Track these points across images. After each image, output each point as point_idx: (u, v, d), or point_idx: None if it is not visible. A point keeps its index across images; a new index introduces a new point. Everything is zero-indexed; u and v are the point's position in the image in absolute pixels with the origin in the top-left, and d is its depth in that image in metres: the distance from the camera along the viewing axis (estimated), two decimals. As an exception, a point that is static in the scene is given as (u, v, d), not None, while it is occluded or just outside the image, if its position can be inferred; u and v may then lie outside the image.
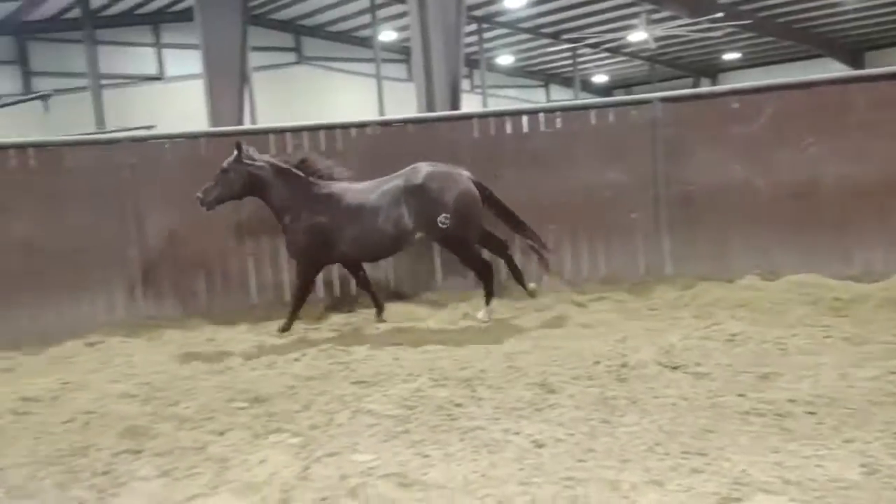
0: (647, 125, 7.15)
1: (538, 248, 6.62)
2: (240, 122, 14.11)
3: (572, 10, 25.20)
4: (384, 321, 6.57)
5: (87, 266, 6.76)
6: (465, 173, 6.44)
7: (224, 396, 4.42)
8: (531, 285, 6.75)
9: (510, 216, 6.60)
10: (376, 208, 6.31)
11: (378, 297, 6.77)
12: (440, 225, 6.20)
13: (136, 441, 3.71)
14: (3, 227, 6.59)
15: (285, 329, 6.38)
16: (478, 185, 6.43)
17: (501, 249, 6.75)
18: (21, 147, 6.86)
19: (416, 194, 6.23)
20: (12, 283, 6.54)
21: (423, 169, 6.33)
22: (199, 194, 6.29)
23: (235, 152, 6.35)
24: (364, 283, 6.85)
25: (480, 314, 6.38)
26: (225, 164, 6.36)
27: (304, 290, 6.56)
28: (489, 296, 6.40)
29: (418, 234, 6.39)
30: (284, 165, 6.49)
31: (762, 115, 6.87)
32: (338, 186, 6.52)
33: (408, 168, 6.42)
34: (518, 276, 6.73)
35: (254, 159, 6.40)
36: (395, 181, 6.37)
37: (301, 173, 6.47)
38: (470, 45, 24.27)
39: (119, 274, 6.94)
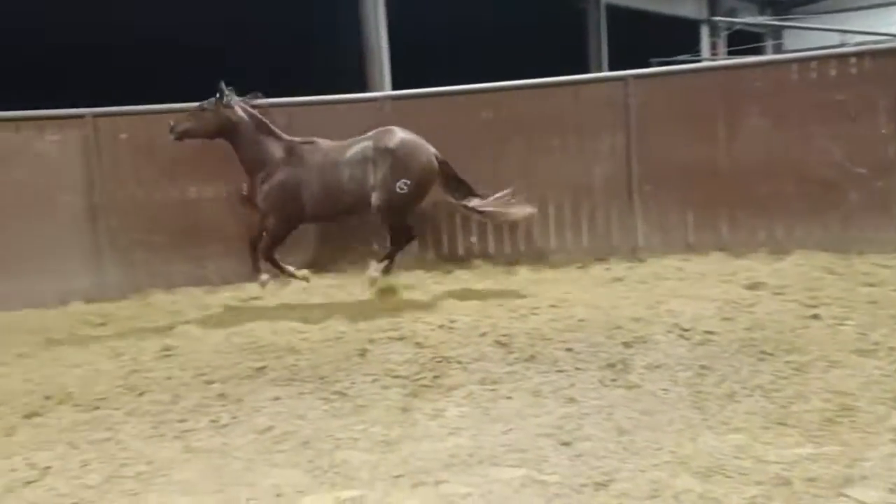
0: None
1: (516, 214, 6.70)
2: None
3: None
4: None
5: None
6: (431, 147, 6.59)
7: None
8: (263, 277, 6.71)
9: (469, 192, 6.69)
10: (345, 168, 6.44)
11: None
12: (398, 190, 6.36)
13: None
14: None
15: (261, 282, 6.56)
16: (439, 160, 6.61)
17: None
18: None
19: (385, 156, 6.39)
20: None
21: (396, 133, 6.52)
22: (171, 121, 6.39)
23: (217, 95, 6.39)
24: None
25: (373, 272, 6.55)
26: (203, 103, 6.45)
27: (274, 244, 6.53)
28: (392, 258, 6.68)
29: (374, 196, 6.45)
30: (263, 119, 6.58)
31: None
32: (310, 143, 6.63)
33: (380, 130, 6.60)
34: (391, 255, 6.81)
35: (230, 105, 6.40)
36: (365, 141, 6.52)
37: (278, 131, 6.59)
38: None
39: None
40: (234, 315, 6.27)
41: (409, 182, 6.36)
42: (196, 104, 6.48)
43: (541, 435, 3.52)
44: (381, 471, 3.21)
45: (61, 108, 7.26)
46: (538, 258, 7.62)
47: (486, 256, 7.71)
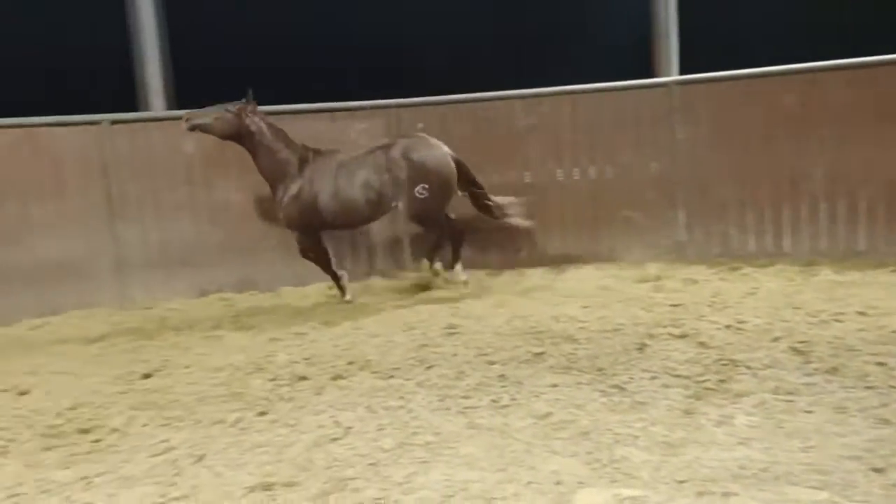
0: None
1: (517, 223, 6.92)
2: None
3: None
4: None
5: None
6: (446, 148, 6.67)
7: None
8: (437, 265, 6.98)
9: (485, 196, 6.82)
10: (359, 176, 6.54)
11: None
12: (417, 195, 6.45)
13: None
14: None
15: (348, 301, 6.73)
16: (457, 162, 6.67)
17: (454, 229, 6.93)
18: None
19: (400, 164, 6.50)
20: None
21: (411, 140, 6.67)
22: (188, 113, 6.52)
23: (244, 101, 6.50)
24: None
25: (461, 276, 6.88)
26: (231, 106, 6.50)
27: (315, 256, 6.78)
28: (456, 260, 6.91)
29: (394, 204, 6.62)
30: (279, 128, 6.65)
31: None
32: (327, 153, 6.74)
33: (394, 139, 6.78)
34: (433, 254, 6.97)
35: (252, 112, 6.52)
36: (379, 150, 6.63)
37: (295, 141, 6.67)
38: None
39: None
40: (514, 299, 6.46)
41: (427, 186, 6.43)
42: (219, 105, 6.56)
43: (846, 457, 3.14)
44: (663, 473, 3.09)
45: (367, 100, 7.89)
46: (843, 258, 6.84)
47: (780, 254, 7.09)
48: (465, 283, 6.89)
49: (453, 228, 6.90)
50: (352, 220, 6.79)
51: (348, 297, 6.84)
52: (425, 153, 6.57)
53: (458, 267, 6.95)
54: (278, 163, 6.61)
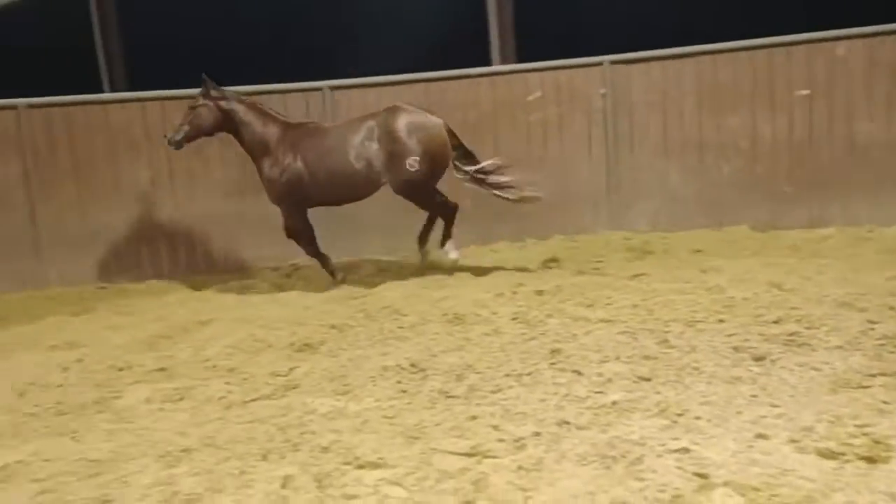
0: None
1: (513, 195, 6.35)
2: None
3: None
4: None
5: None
6: (439, 119, 6.27)
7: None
8: (426, 250, 6.61)
9: (478, 167, 6.35)
10: (349, 149, 6.18)
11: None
12: (409, 168, 6.07)
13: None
14: None
15: (340, 283, 6.39)
16: (449, 132, 6.28)
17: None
18: None
19: (390, 135, 6.12)
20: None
21: (400, 110, 6.23)
22: (166, 135, 6.33)
23: (202, 87, 6.30)
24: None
25: (452, 254, 6.46)
26: (193, 102, 6.33)
27: (301, 234, 6.49)
28: (448, 235, 6.47)
29: (384, 179, 6.23)
30: (257, 104, 6.44)
31: None
32: (312, 126, 6.50)
33: (383, 109, 6.33)
34: (425, 236, 6.56)
35: (223, 95, 6.32)
36: (369, 120, 6.26)
37: (274, 112, 6.44)
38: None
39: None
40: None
41: (417, 159, 6.06)
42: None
43: None
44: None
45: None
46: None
47: None
48: (455, 261, 6.47)
49: (445, 204, 6.44)
50: (340, 194, 6.41)
51: (340, 276, 6.52)
52: (416, 122, 6.18)
53: (449, 244, 6.50)
54: (260, 137, 6.34)
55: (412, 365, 3.89)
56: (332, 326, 4.81)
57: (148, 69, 11.17)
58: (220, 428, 3.30)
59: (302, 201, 6.41)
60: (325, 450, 2.92)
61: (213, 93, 6.29)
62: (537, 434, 2.95)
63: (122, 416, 3.59)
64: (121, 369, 4.35)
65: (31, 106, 7.15)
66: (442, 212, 6.45)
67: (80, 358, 4.62)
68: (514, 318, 4.64)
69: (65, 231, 7.31)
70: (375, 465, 2.76)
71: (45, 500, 2.74)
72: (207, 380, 4.02)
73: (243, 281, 7.00)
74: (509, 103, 7.72)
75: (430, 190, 6.31)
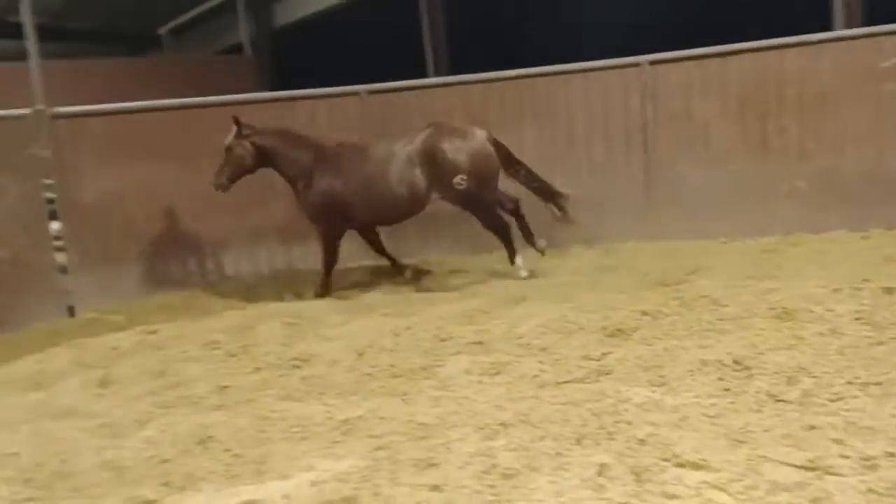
0: None
1: (561, 205, 6.45)
2: None
3: None
4: (414, 278, 6.67)
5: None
6: (481, 132, 6.26)
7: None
8: (541, 242, 6.58)
9: (529, 174, 6.44)
10: (389, 170, 6.19)
11: (396, 259, 6.88)
12: (456, 186, 6.04)
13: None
14: None
15: (321, 296, 6.40)
16: (495, 143, 6.26)
17: (514, 208, 6.55)
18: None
19: (430, 155, 6.11)
20: None
21: (437, 129, 6.24)
22: (212, 180, 6.30)
23: (234, 127, 6.29)
24: (378, 247, 6.87)
25: (521, 272, 6.38)
26: (227, 142, 6.29)
27: (328, 255, 6.50)
28: (513, 253, 6.43)
29: (433, 196, 6.24)
30: (289, 131, 6.47)
31: None
32: (349, 147, 6.47)
33: (421, 127, 6.31)
34: (528, 234, 6.56)
35: (255, 130, 6.35)
36: (407, 142, 6.25)
37: (309, 136, 6.46)
38: None
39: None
40: None
41: (464, 176, 6.06)
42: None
43: None
44: None
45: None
46: None
47: None
48: (527, 278, 6.37)
49: (511, 211, 6.54)
50: (386, 215, 6.51)
51: (327, 293, 6.52)
52: (457, 143, 6.19)
53: (519, 260, 6.49)
54: (293, 161, 6.43)
55: (735, 362, 3.60)
56: (645, 313, 4.64)
57: (466, 54, 11.90)
58: (534, 406, 3.36)
59: (342, 222, 6.52)
60: (642, 442, 2.83)
61: (245, 131, 6.40)
62: (891, 455, 2.56)
63: (445, 384, 3.82)
64: (443, 339, 4.65)
65: (371, 92, 7.90)
66: (497, 226, 6.43)
67: (409, 325, 5.03)
68: (856, 318, 4.09)
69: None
70: (697, 466, 2.60)
71: (379, 455, 3.01)
72: (521, 357, 4.12)
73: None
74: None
75: (486, 203, 6.32)
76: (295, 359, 4.51)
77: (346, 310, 5.81)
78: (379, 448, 3.07)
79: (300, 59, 15.56)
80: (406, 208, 6.39)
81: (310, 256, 7.18)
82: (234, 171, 6.39)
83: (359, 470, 2.87)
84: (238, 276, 7.51)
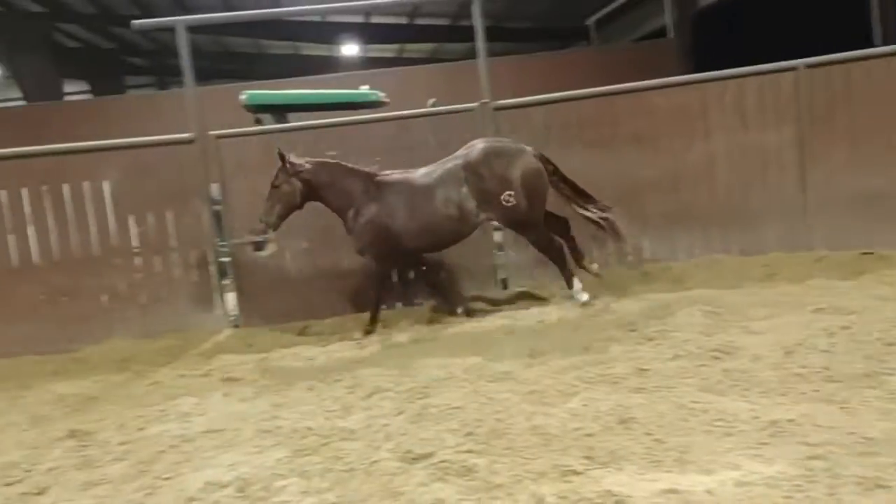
0: None
1: (611, 226, 6.24)
2: None
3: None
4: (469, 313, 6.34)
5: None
6: (528, 148, 6.14)
7: None
8: (594, 266, 6.43)
9: (579, 193, 6.29)
10: (436, 193, 6.04)
11: (450, 289, 6.71)
12: (504, 203, 5.94)
13: None
14: None
15: (369, 332, 6.17)
16: (543, 159, 6.13)
17: (563, 228, 6.36)
18: None
19: (477, 173, 5.97)
20: None
21: (482, 145, 6.11)
22: (262, 219, 6.18)
23: (280, 164, 6.15)
24: (431, 279, 6.74)
25: (582, 297, 6.09)
26: (275, 180, 6.17)
27: (378, 287, 6.38)
28: (569, 276, 6.21)
29: (483, 217, 6.10)
30: (332, 162, 6.38)
31: None
32: (395, 175, 6.29)
33: (466, 146, 6.18)
34: (579, 257, 6.39)
35: (301, 167, 6.22)
36: (453, 162, 6.13)
37: (354, 167, 6.34)
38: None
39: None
40: None
41: (512, 193, 5.94)
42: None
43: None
44: None
45: None
46: None
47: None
48: (586, 304, 6.02)
49: (560, 230, 6.32)
50: (436, 240, 6.27)
51: (373, 329, 6.25)
52: (506, 158, 6.04)
53: (576, 285, 6.20)
54: (340, 193, 6.29)
55: None
56: None
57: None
58: None
59: (390, 250, 6.29)
60: None
61: (290, 168, 6.20)
62: None
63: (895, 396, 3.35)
64: (890, 344, 4.07)
65: (810, 66, 7.16)
66: (554, 246, 6.20)
67: (847, 325, 4.51)
68: None
69: (834, 194, 7.16)
70: None
71: (814, 465, 2.76)
72: None
73: None
74: None
75: (535, 222, 6.14)
76: (716, 350, 4.36)
77: (770, 303, 5.42)
78: (814, 457, 2.82)
79: (720, 39, 14.97)
80: (455, 230, 6.20)
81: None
82: (284, 209, 6.30)
83: (790, 478, 2.67)
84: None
